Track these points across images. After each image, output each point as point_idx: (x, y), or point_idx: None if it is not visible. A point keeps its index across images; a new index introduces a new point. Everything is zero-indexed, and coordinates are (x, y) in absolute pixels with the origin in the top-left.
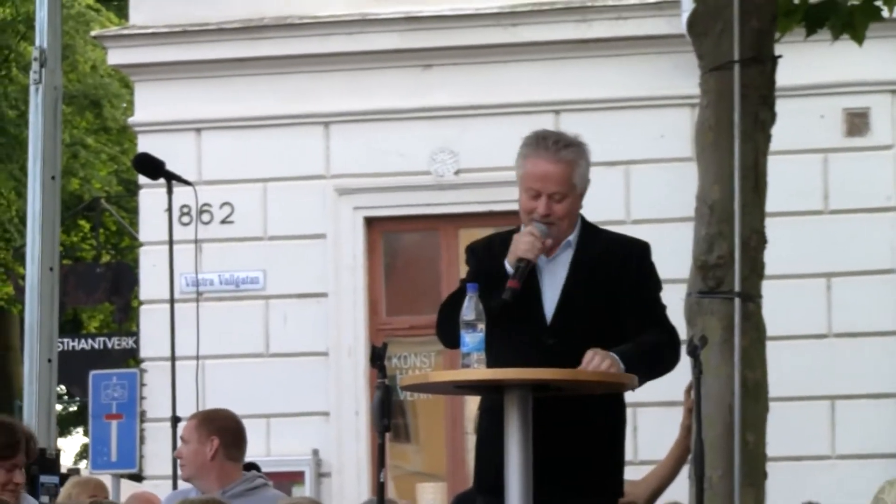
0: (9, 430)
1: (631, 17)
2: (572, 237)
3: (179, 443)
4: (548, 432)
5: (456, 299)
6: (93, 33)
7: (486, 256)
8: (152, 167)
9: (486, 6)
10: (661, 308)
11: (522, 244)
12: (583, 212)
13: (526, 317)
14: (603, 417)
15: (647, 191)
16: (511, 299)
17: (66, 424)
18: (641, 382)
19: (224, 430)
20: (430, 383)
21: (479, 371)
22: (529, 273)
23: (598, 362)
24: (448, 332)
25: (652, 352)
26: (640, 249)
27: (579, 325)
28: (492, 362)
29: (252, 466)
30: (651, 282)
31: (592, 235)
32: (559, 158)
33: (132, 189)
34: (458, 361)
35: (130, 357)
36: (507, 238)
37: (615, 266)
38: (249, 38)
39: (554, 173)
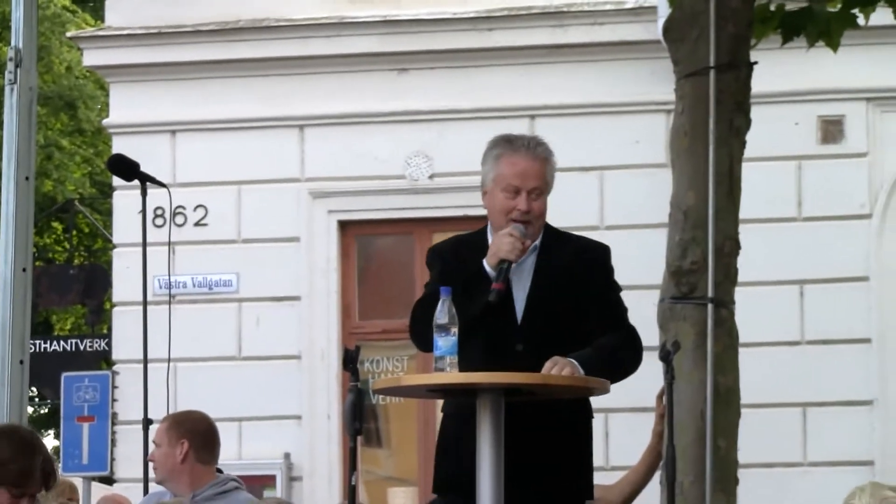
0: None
1: (607, 23)
2: (537, 241)
3: (152, 446)
4: (517, 438)
5: (428, 302)
6: (68, 34)
7: (454, 259)
8: (126, 169)
9: (462, 10)
10: (624, 310)
11: (504, 245)
12: (557, 216)
13: (495, 322)
14: (571, 422)
15: (621, 196)
16: (496, 300)
17: (37, 426)
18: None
19: (194, 432)
20: (402, 387)
21: (452, 375)
22: None
23: (557, 371)
24: (421, 335)
25: (611, 356)
26: (602, 253)
27: (547, 329)
28: (463, 367)
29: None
30: (612, 285)
31: (555, 239)
32: (536, 155)
33: (106, 191)
34: (430, 365)
35: (102, 359)
36: (475, 241)
37: (580, 269)
38: (225, 40)
39: (532, 169)
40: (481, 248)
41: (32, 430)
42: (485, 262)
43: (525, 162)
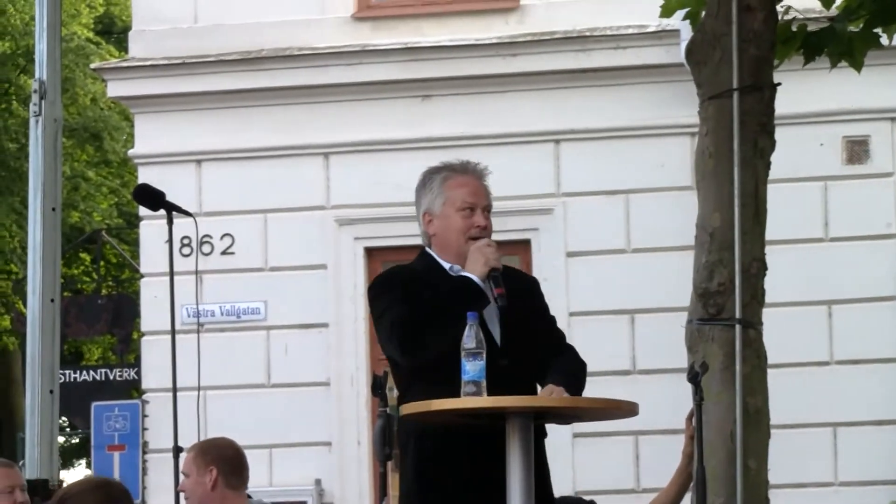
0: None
1: (630, 47)
2: None
3: (181, 476)
4: (494, 462)
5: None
6: (92, 66)
7: (416, 284)
8: (152, 198)
9: (485, 36)
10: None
11: (489, 254)
12: (584, 241)
13: None
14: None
15: (647, 219)
16: (506, 303)
17: (68, 456)
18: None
19: (222, 458)
20: (431, 412)
21: (482, 399)
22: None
23: (556, 396)
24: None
25: (578, 379)
26: (536, 282)
27: (523, 344)
28: (454, 386)
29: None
30: (548, 309)
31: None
32: (480, 175)
33: (133, 221)
34: (459, 391)
35: (131, 388)
36: (428, 265)
37: (526, 292)
38: (249, 69)
39: (482, 188)
40: (438, 273)
41: (125, 488)
42: (470, 275)
43: (474, 181)
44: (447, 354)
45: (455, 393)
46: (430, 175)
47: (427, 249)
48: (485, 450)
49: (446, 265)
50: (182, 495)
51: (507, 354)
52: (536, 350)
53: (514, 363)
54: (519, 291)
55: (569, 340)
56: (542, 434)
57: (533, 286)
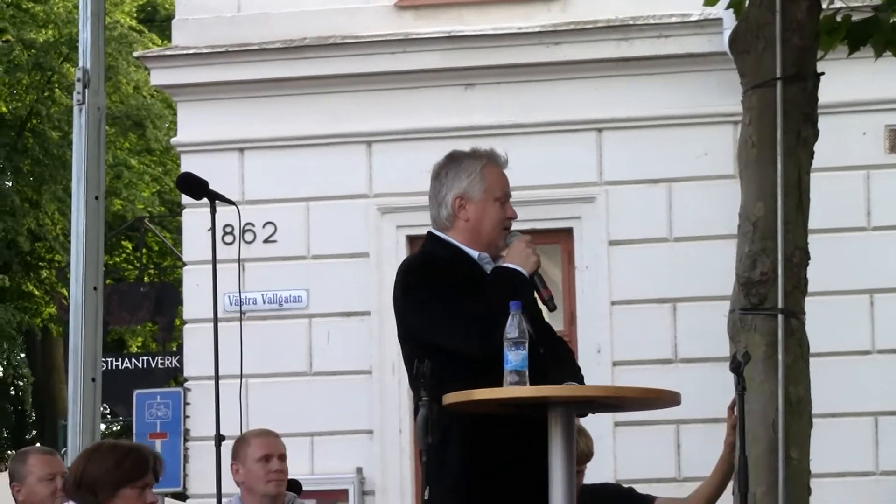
0: (141, 452)
1: (673, 36)
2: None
3: (276, 462)
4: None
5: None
6: (135, 54)
7: (455, 272)
8: (195, 187)
9: (528, 25)
10: None
11: (533, 257)
12: (627, 229)
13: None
14: None
15: (689, 208)
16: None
17: None
18: None
19: None
20: (473, 401)
21: (524, 388)
22: None
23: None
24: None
25: (580, 371)
26: None
27: (548, 332)
28: (492, 375)
29: (295, 484)
30: None
31: None
32: (506, 165)
33: (175, 209)
34: (500, 379)
35: (173, 376)
36: (459, 255)
37: None
38: (291, 58)
39: (508, 179)
40: (467, 259)
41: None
42: (518, 268)
43: (503, 171)
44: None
45: (494, 382)
46: (465, 158)
47: (439, 234)
48: (529, 438)
49: (474, 253)
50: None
51: (543, 342)
52: (555, 336)
53: (548, 351)
54: None
55: (611, 329)
56: None
57: None
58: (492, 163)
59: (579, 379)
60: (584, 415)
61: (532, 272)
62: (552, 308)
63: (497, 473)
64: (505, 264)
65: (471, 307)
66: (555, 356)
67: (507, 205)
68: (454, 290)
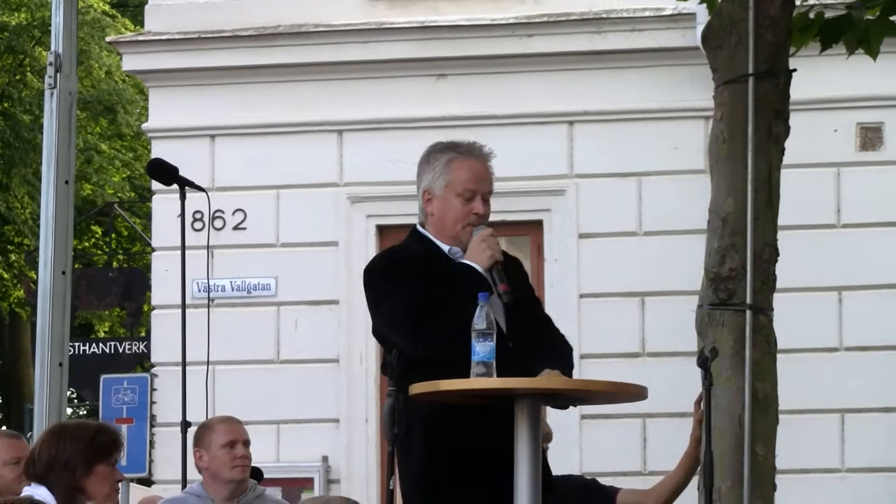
0: (109, 430)
1: (646, 30)
2: None
3: (239, 449)
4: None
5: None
6: (108, 39)
7: (413, 269)
8: (166, 173)
9: (501, 17)
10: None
11: (492, 247)
12: (596, 223)
13: None
14: None
15: (659, 202)
16: (512, 301)
17: None
18: None
19: None
20: (440, 391)
21: (491, 380)
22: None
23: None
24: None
25: (570, 360)
26: (521, 263)
27: (524, 326)
28: (456, 369)
29: (256, 471)
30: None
31: None
32: (485, 158)
33: (145, 195)
34: (468, 371)
35: (140, 362)
36: (427, 248)
37: (515, 273)
38: (264, 45)
39: (486, 173)
40: (436, 255)
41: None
42: (473, 264)
43: (478, 165)
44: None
45: (458, 375)
46: (434, 153)
47: (420, 229)
48: (493, 428)
49: (444, 247)
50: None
51: (513, 337)
52: (534, 331)
53: (518, 346)
54: (511, 274)
55: (578, 322)
56: None
57: (520, 267)
58: (462, 156)
59: (565, 369)
60: (566, 407)
61: (487, 267)
62: (506, 301)
63: (461, 463)
64: (462, 260)
65: (412, 306)
66: (544, 345)
67: (475, 200)
68: (407, 288)
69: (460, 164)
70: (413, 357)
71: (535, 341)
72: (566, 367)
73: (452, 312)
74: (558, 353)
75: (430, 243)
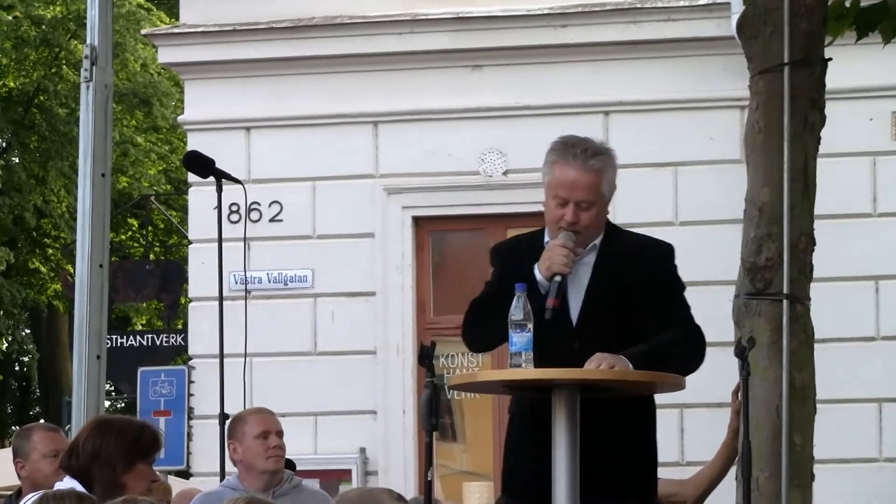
0: (151, 430)
1: (680, 19)
2: (597, 240)
3: (274, 438)
4: (584, 434)
5: (487, 301)
6: (143, 32)
7: (512, 260)
8: (202, 165)
9: (535, 7)
10: (686, 308)
11: (557, 258)
12: (632, 212)
13: (552, 321)
14: (634, 419)
15: (695, 192)
16: (552, 317)
17: None
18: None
19: None
20: (477, 382)
21: (528, 371)
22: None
23: (595, 366)
24: (480, 334)
25: (664, 352)
26: (664, 251)
27: (603, 327)
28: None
29: (289, 463)
30: (675, 282)
31: (617, 237)
32: (588, 167)
33: (181, 188)
34: (506, 361)
35: (178, 354)
36: (532, 241)
37: (640, 267)
38: (299, 37)
39: (582, 182)
40: (537, 250)
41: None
42: (536, 270)
43: (575, 173)
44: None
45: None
46: (549, 150)
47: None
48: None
49: (547, 241)
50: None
51: (582, 336)
52: (619, 332)
53: (587, 346)
54: (632, 265)
55: None
56: (650, 412)
57: (655, 258)
58: (561, 160)
59: (662, 347)
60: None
61: (548, 277)
62: (547, 318)
63: (529, 462)
64: (535, 265)
65: (473, 302)
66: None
67: (567, 206)
68: (493, 278)
69: (559, 169)
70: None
71: (624, 340)
72: (653, 355)
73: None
74: (656, 341)
75: (540, 237)
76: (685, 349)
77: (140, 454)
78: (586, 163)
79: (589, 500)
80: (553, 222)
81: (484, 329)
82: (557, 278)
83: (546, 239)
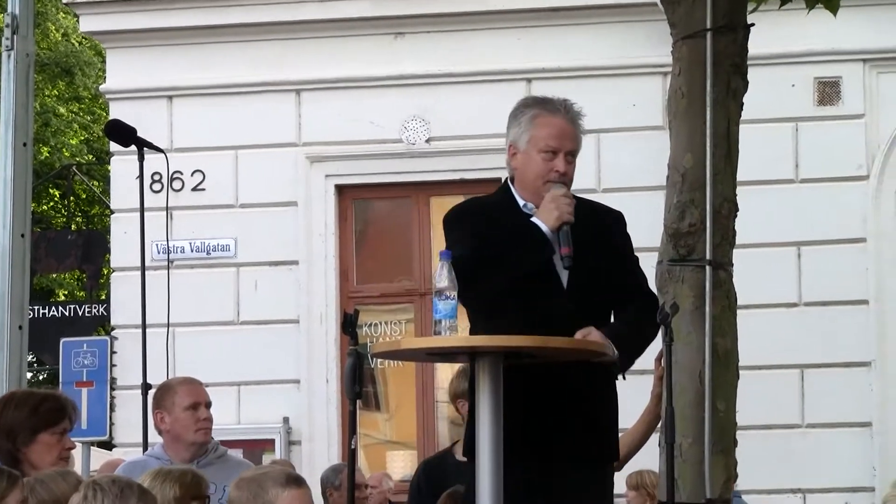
0: (56, 399)
1: None
2: None
3: (203, 410)
4: (555, 400)
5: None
6: (65, 0)
7: (484, 220)
8: (124, 134)
9: None
10: (644, 276)
11: (564, 208)
12: None
13: (544, 286)
14: (603, 385)
15: (618, 159)
16: (571, 265)
17: None
18: (633, 360)
19: None
20: (401, 350)
21: (450, 338)
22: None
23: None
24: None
25: (640, 331)
26: (620, 218)
27: (591, 289)
28: (511, 329)
29: None
30: (632, 250)
31: (578, 203)
32: (571, 117)
33: (103, 157)
34: (428, 329)
35: (101, 324)
36: (502, 201)
37: (604, 233)
38: (222, 5)
39: (569, 131)
40: (511, 208)
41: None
42: (539, 223)
43: (563, 123)
44: (506, 291)
45: (509, 330)
46: (522, 107)
47: (509, 182)
48: (559, 391)
49: (521, 201)
50: (207, 425)
51: (574, 299)
52: (604, 295)
53: (580, 308)
54: (597, 229)
55: None
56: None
57: (614, 223)
58: (547, 113)
59: (633, 321)
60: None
61: (554, 227)
62: (566, 266)
63: (522, 428)
64: (532, 218)
65: (459, 251)
66: (623, 294)
67: (557, 158)
68: (462, 238)
69: (545, 121)
70: (466, 301)
71: (606, 303)
72: (626, 334)
73: (501, 262)
74: (628, 320)
75: (510, 195)
76: (654, 327)
77: (42, 424)
78: (569, 113)
79: (562, 463)
80: (540, 176)
81: (485, 284)
82: (566, 227)
83: (518, 197)
